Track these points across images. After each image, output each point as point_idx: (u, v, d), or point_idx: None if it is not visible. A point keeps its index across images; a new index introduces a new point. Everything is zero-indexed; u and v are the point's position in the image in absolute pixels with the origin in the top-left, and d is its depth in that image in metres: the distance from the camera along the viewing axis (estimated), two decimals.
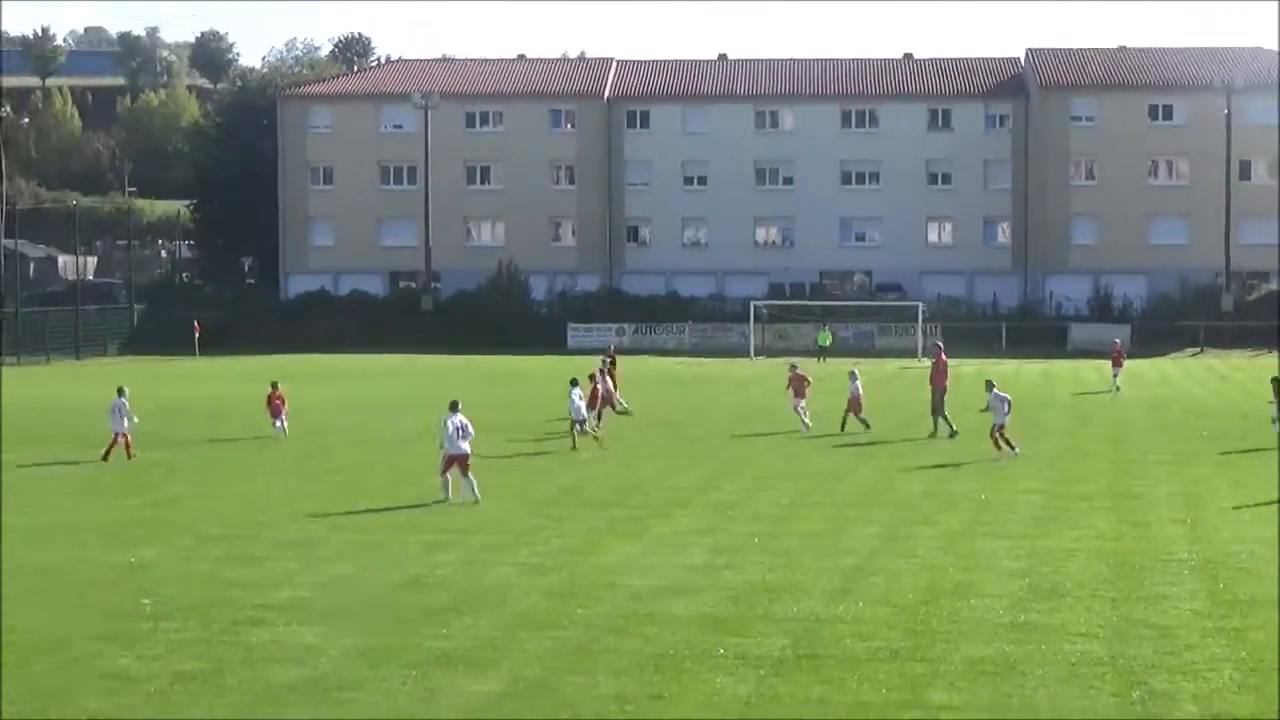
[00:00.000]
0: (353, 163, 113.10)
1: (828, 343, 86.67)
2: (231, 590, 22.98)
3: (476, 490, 31.70)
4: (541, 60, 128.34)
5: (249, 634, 20.17)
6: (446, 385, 60.96)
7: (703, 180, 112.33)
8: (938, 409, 44.64)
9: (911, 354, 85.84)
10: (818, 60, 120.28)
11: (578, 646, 19.39)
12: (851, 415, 45.45)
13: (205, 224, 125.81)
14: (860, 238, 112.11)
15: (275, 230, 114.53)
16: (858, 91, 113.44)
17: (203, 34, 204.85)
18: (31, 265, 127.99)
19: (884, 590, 22.73)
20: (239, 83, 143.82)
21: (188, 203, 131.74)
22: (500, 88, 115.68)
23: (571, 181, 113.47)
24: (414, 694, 17.25)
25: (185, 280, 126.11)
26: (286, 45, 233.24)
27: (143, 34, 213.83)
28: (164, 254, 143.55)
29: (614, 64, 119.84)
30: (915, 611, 21.25)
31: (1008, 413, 38.97)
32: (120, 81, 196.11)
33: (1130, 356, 70.78)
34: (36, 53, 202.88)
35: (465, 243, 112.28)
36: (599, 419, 44.85)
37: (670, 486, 34.64)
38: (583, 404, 42.44)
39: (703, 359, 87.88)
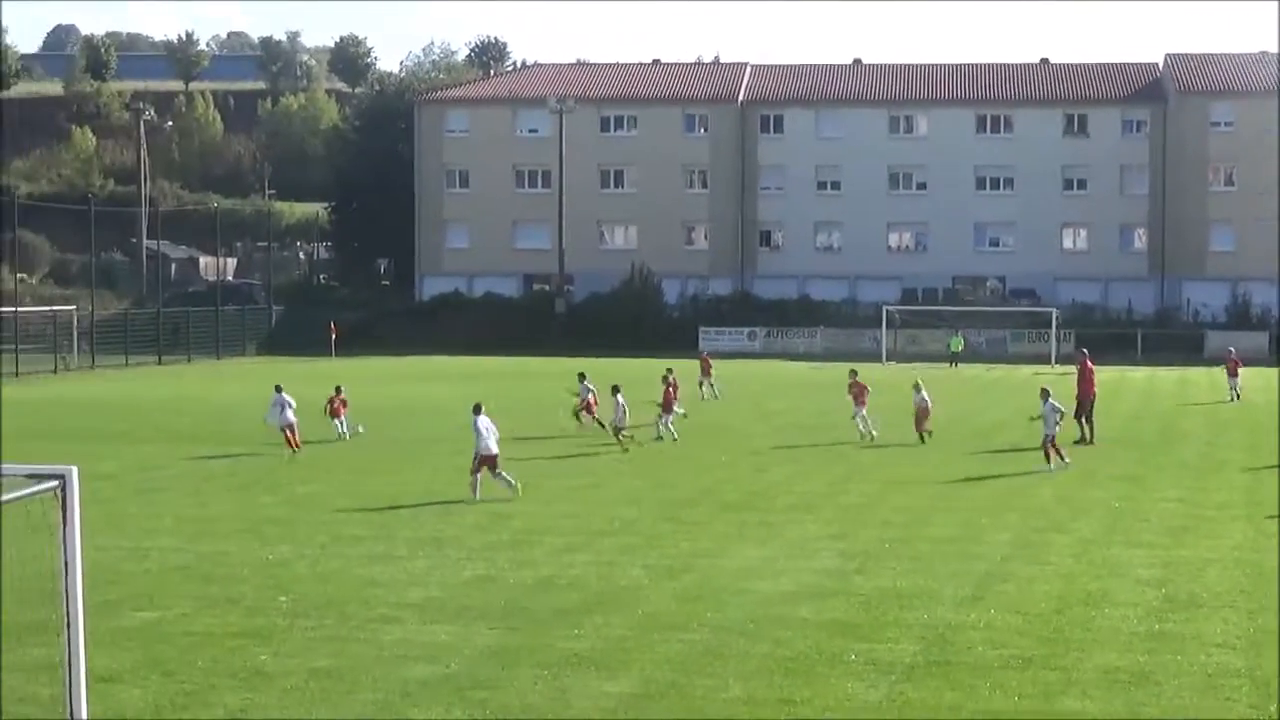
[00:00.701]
0: (488, 166, 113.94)
1: (960, 348, 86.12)
2: (366, 588, 23.27)
3: (515, 482, 32.84)
4: (676, 64, 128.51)
5: (383, 632, 20.42)
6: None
7: (836, 185, 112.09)
8: (1079, 415, 44.19)
9: (1045, 360, 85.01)
10: (953, 65, 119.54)
11: (707, 649, 19.46)
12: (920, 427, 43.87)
13: (342, 226, 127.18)
14: (994, 243, 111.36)
15: (411, 233, 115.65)
16: (993, 96, 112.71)
17: (342, 38, 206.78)
18: (173, 266, 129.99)
19: (1016, 597, 22.59)
20: (377, 87, 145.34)
21: (326, 205, 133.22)
22: (635, 92, 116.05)
23: (705, 185, 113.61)
24: (546, 694, 17.39)
25: (322, 282, 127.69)
26: (424, 49, 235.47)
27: (283, 38, 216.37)
28: (302, 256, 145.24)
29: (748, 68, 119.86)
30: (1048, 619, 21.11)
31: (1058, 423, 38.28)
32: (261, 85, 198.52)
33: (1269, 365, 69.67)
34: (180, 57, 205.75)
35: (599, 246, 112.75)
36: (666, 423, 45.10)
37: (800, 490, 34.61)
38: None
39: (834, 363, 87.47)
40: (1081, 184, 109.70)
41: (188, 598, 22.58)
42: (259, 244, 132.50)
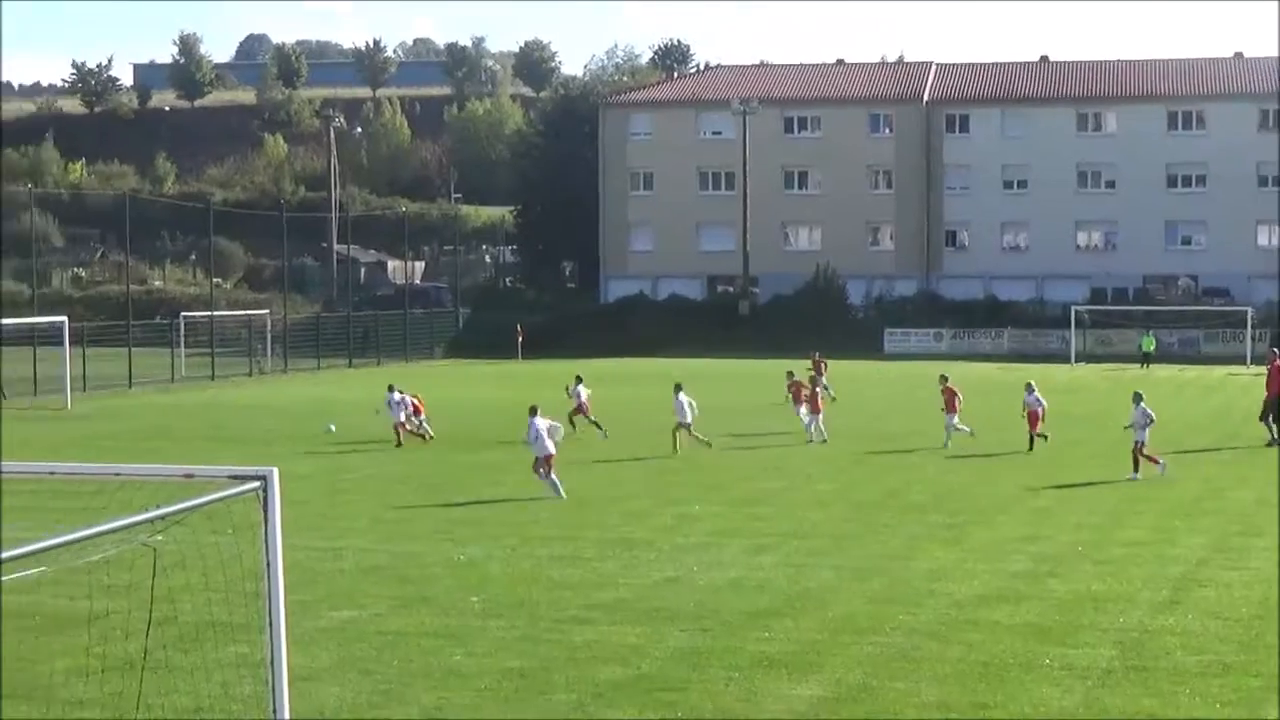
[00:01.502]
0: (672, 168, 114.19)
1: (1151, 348, 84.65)
2: (556, 590, 23.42)
3: (560, 489, 33.28)
4: (860, 64, 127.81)
5: (574, 633, 20.54)
6: (762, 388, 61.22)
7: (1023, 184, 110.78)
8: (1265, 416, 43.29)
9: (1240, 360, 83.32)
10: (1142, 60, 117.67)
11: (899, 652, 19.33)
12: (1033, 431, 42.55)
13: (528, 229, 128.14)
14: (1186, 241, 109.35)
15: (596, 235, 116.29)
16: (1184, 92, 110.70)
17: (526, 43, 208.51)
18: (362, 270, 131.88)
19: (1214, 602, 22.16)
20: (561, 91, 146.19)
21: (511, 209, 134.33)
22: (819, 92, 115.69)
23: (890, 186, 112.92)
24: (736, 696, 17.37)
25: (508, 285, 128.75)
26: (607, 53, 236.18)
27: (469, 44, 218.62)
28: (488, 259, 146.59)
29: (933, 67, 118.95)
30: (1249, 625, 20.68)
31: (1146, 427, 36.97)
32: (447, 91, 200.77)
33: None
34: (368, 64, 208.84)
35: (783, 247, 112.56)
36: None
37: (988, 492, 34.27)
38: (688, 409, 42.30)
39: (1022, 365, 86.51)
40: (1278, 180, 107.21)
41: (382, 597, 22.89)
42: (446, 248, 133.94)
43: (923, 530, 28.94)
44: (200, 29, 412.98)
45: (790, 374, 50.07)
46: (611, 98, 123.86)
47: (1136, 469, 36.20)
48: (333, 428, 47.85)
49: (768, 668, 18.58)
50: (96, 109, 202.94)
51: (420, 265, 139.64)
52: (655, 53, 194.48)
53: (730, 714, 16.69)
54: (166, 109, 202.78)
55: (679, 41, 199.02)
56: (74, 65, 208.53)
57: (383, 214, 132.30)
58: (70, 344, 62.82)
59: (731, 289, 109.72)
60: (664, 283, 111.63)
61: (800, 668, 18.59)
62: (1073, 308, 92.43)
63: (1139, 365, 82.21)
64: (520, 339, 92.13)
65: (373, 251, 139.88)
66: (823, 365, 59.91)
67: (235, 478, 12.84)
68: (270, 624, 12.80)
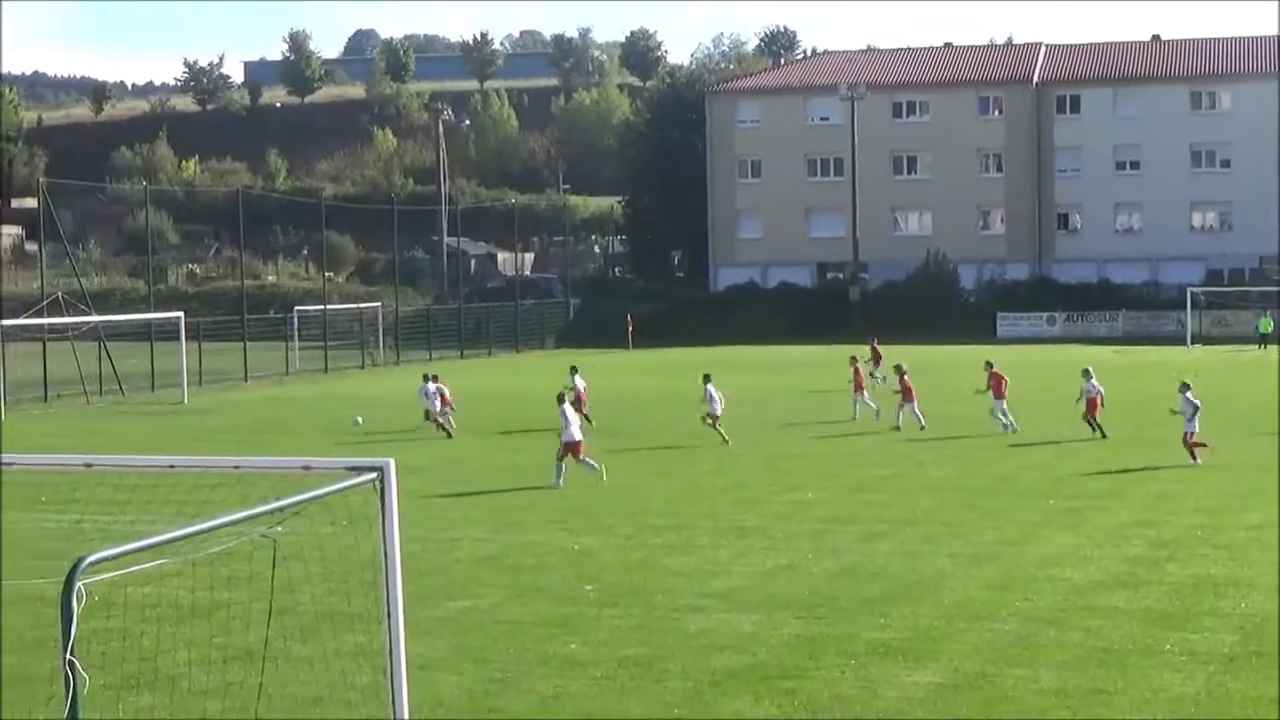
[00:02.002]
0: (780, 156, 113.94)
1: (1270, 329, 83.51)
2: (671, 578, 23.42)
3: (599, 467, 34.15)
4: (968, 47, 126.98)
5: (689, 621, 20.52)
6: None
7: (1135, 165, 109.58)
8: None
9: None
10: (1256, 37, 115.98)
11: (1017, 639, 19.17)
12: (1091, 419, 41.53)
13: (636, 219, 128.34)
14: None
15: (704, 224, 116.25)
16: None
17: (632, 33, 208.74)
18: (472, 262, 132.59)
19: None
20: (668, 80, 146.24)
21: (619, 199, 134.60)
22: (926, 76, 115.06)
23: (1000, 169, 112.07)
24: (853, 683, 17.29)
25: (617, 274, 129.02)
26: (713, 41, 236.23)
27: (575, 35, 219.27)
28: (597, 249, 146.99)
29: (1042, 48, 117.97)
30: None
31: (1194, 417, 35.98)
32: (554, 82, 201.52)
33: None
34: (475, 57, 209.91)
35: (892, 233, 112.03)
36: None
37: (1105, 476, 33.94)
38: (718, 400, 42.14)
39: (1137, 347, 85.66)
40: None
41: (498, 587, 22.99)
42: (555, 238, 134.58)
43: (1038, 516, 28.71)
44: (309, 26, 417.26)
45: (853, 359, 50.01)
46: (718, 85, 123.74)
47: (1194, 456, 35.59)
48: (359, 420, 48.05)
49: (884, 655, 18.48)
50: (209, 106, 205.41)
51: (530, 256, 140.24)
52: (762, 39, 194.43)
53: (847, 702, 16.61)
54: (277, 105, 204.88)
55: (785, 28, 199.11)
56: (186, 64, 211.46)
57: (492, 206, 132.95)
58: (187, 339, 63.59)
59: (841, 275, 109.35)
60: (773, 270, 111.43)
61: (917, 655, 18.48)
62: (1188, 289, 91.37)
63: (1256, 346, 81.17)
64: (631, 328, 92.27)
65: (482, 243, 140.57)
66: (879, 353, 59.79)
67: (352, 469, 12.94)
68: (388, 614, 12.90)
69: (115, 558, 10.55)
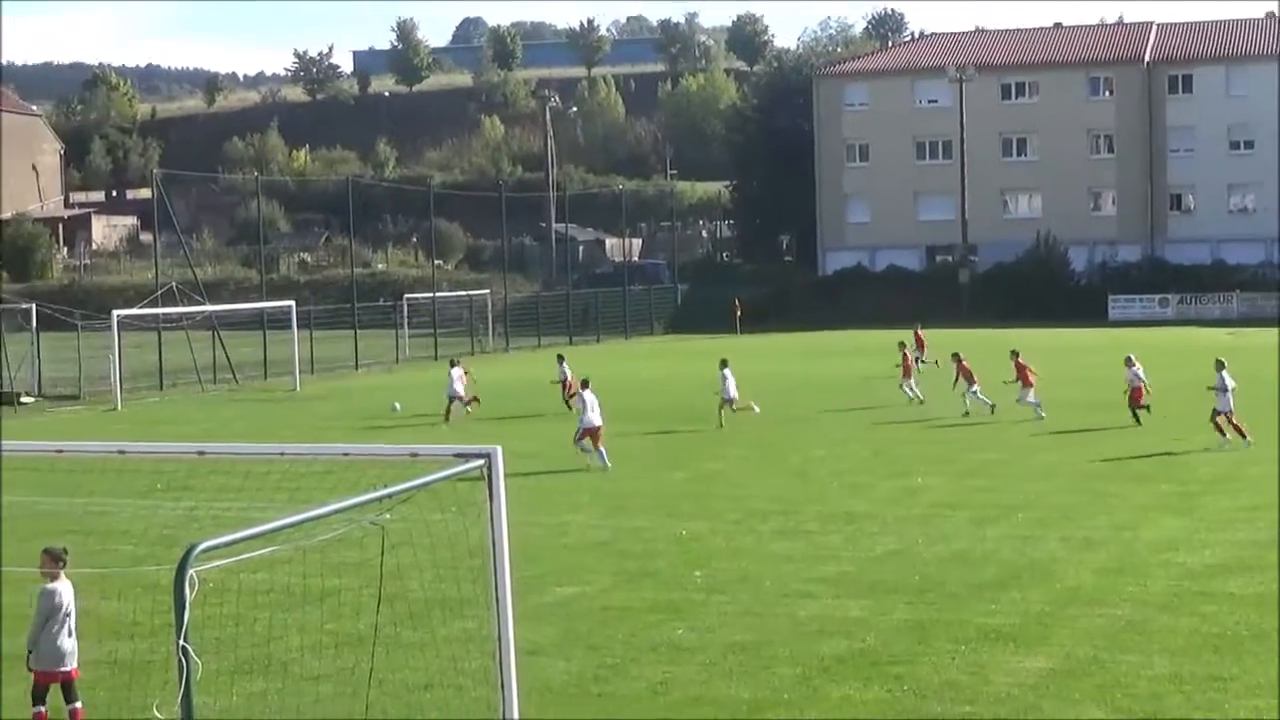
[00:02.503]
0: (888, 139, 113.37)
1: None
2: (778, 564, 23.38)
3: (607, 460, 33.91)
4: (1078, 27, 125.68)
5: (797, 607, 20.49)
6: (984, 360, 60.45)
7: (1250, 144, 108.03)
8: None
9: None
10: None
11: (1130, 624, 18.99)
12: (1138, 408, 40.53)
13: (744, 204, 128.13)
14: None
15: (812, 208, 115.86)
16: None
17: (739, 17, 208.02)
18: (580, 248, 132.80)
19: None
20: (775, 64, 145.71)
21: (727, 183, 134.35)
22: (1035, 57, 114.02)
23: (1110, 150, 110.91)
24: (963, 669, 17.20)
25: (725, 259, 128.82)
26: (820, 24, 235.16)
27: (681, 20, 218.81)
28: (705, 234, 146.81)
29: (1154, 27, 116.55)
30: None
31: (1228, 397, 35.43)
32: (660, 68, 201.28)
33: None
34: (582, 43, 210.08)
35: (1002, 215, 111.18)
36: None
37: (1219, 461, 33.54)
38: (732, 384, 42.47)
39: (1251, 329, 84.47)
40: None
41: (606, 572, 23.05)
42: (663, 224, 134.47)
43: (1151, 500, 28.42)
44: (417, 15, 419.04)
45: (902, 344, 49.79)
46: (825, 69, 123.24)
47: (1224, 434, 35.50)
48: (398, 406, 48.33)
49: (994, 640, 18.37)
50: (318, 96, 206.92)
51: (638, 242, 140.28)
52: (869, 22, 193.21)
53: (957, 688, 16.53)
54: (386, 94, 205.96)
55: (892, 10, 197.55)
56: (296, 54, 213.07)
57: (599, 192, 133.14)
58: (298, 327, 64.18)
59: (950, 258, 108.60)
60: (882, 253, 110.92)
61: (1027, 640, 18.35)
62: None
63: None
64: (738, 313, 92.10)
65: (590, 230, 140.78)
66: (922, 339, 59.45)
67: (460, 456, 13.02)
68: (497, 599, 12.97)
69: (228, 545, 10.67)
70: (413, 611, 18.69)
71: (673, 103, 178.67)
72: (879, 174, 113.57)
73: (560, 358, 49.57)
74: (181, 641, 10.03)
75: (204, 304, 66.67)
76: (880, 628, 19.18)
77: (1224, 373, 35.86)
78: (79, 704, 15.40)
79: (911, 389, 47.33)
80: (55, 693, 15.25)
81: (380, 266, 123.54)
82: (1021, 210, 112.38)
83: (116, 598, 20.51)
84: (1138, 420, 40.29)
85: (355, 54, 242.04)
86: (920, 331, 60.82)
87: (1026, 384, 43.33)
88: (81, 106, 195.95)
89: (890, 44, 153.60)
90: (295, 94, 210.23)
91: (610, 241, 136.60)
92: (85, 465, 25.76)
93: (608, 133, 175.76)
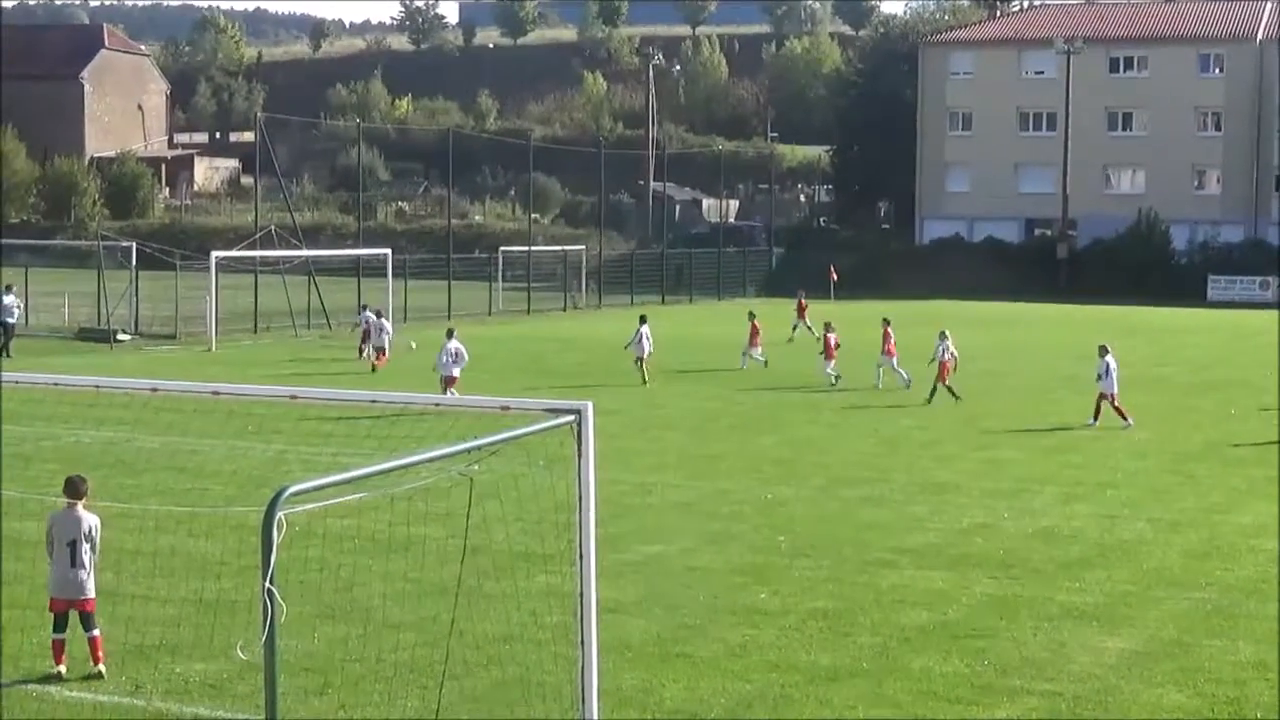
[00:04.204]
0: (992, 109, 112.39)
1: None
2: (863, 532, 23.34)
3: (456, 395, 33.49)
4: (1191, 2, 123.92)
5: (880, 576, 20.45)
6: (1080, 335, 60.02)
7: None
8: None
9: None
10: None
11: (1216, 608, 18.84)
12: (941, 383, 40.31)
13: (843, 169, 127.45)
14: None
15: (912, 176, 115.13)
16: None
17: None
18: (677, 208, 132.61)
19: None
20: (881, 30, 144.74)
21: (827, 148, 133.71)
22: (1146, 31, 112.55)
23: (1218, 128, 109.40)
24: (1044, 646, 17.12)
25: (822, 224, 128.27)
26: None
27: None
28: (802, 198, 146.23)
29: (1268, 5, 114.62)
30: None
31: (1110, 379, 35.59)
32: (766, 29, 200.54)
33: None
34: (689, 2, 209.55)
35: (1103, 190, 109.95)
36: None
37: None
38: (646, 342, 44.11)
39: None
40: None
41: (689, 533, 23.07)
42: (761, 186, 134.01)
43: (1244, 484, 28.13)
44: None
45: (752, 315, 49.91)
46: (932, 36, 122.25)
47: (1125, 417, 35.70)
48: (414, 345, 48.75)
49: (1077, 619, 18.27)
50: (423, 46, 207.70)
51: (735, 204, 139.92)
52: None
53: (1038, 664, 16.47)
54: (490, 46, 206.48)
55: None
56: (403, 4, 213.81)
57: (699, 152, 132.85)
58: (393, 276, 64.48)
59: (1050, 232, 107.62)
60: (980, 224, 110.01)
61: (1111, 620, 18.24)
62: None
63: None
64: (833, 279, 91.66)
65: (688, 190, 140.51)
66: (804, 306, 59.96)
67: (550, 411, 13.05)
68: (580, 556, 13.01)
69: (316, 489, 10.76)
70: (496, 564, 18.78)
71: (776, 65, 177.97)
72: (981, 144, 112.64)
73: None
74: (268, 584, 10.12)
75: (301, 249, 67.10)
76: (962, 601, 19.12)
77: (1107, 357, 36.11)
78: (96, 632, 15.68)
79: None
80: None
81: (477, 218, 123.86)
82: (1124, 186, 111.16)
83: (205, 537, 20.77)
84: (949, 393, 40.14)
85: (461, 5, 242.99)
86: (804, 300, 60.83)
87: (888, 354, 43.58)
88: (189, 48, 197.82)
89: (998, 14, 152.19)
90: (400, 43, 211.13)
91: (707, 202, 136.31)
92: (179, 404, 26.02)
93: (709, 93, 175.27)
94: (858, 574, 20.53)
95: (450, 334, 39.13)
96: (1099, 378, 36.26)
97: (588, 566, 12.91)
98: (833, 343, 44.52)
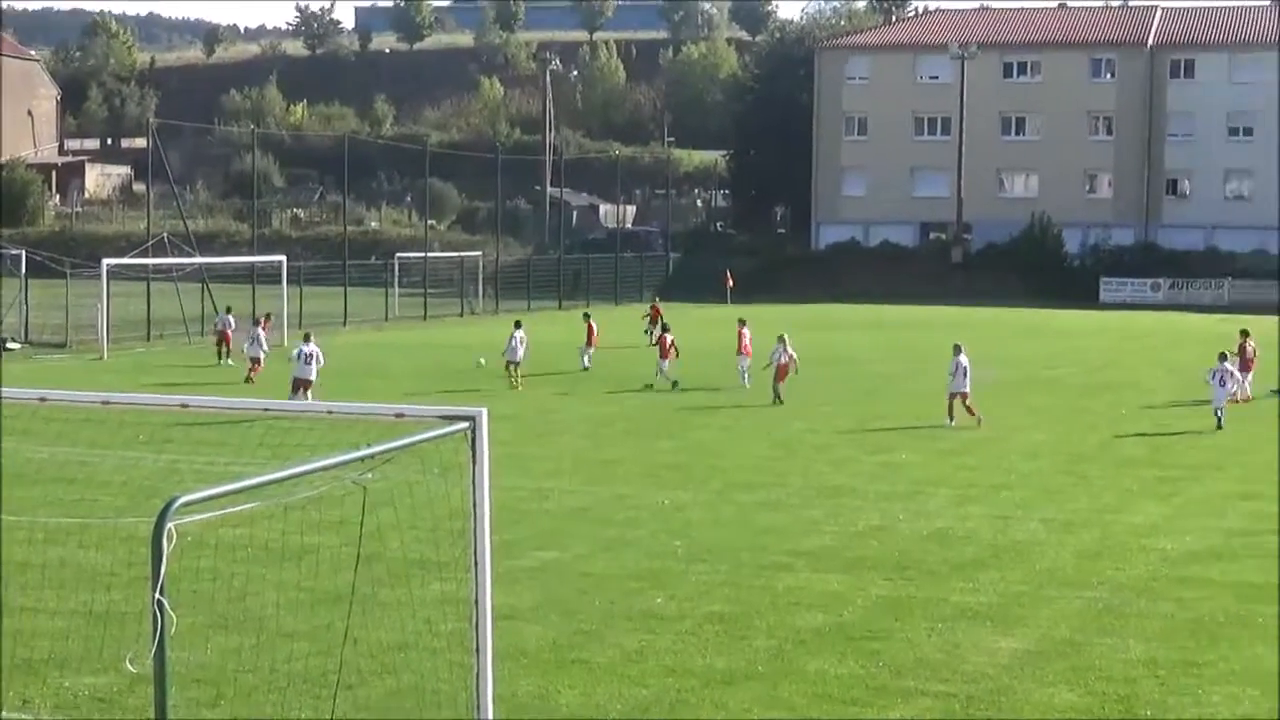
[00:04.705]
0: (887, 113, 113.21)
1: None
2: (759, 536, 23.39)
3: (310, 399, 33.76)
4: (1083, 8, 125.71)
5: (776, 579, 20.51)
6: (975, 337, 60.49)
7: (1249, 131, 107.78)
8: None
9: None
10: None
11: (1107, 607, 19.03)
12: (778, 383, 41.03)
13: (740, 174, 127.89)
14: None
15: (808, 180, 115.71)
16: None
17: None
18: (575, 213, 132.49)
19: None
20: (777, 35, 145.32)
21: (724, 153, 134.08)
22: (1039, 37, 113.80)
23: (1110, 133, 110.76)
24: (939, 647, 17.23)
25: (719, 229, 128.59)
26: None
27: None
28: (700, 203, 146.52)
29: (1158, 11, 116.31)
30: None
31: (963, 378, 36.40)
32: (663, 34, 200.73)
33: None
34: (585, 8, 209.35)
35: (998, 194, 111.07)
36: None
37: (1205, 446, 33.59)
38: (520, 347, 44.46)
39: (1242, 316, 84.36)
40: None
41: (585, 539, 23.05)
42: (658, 191, 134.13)
43: (1135, 484, 28.44)
44: None
45: (586, 315, 50.61)
46: (828, 41, 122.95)
47: (951, 418, 36.55)
48: (483, 361, 48.56)
49: (971, 619, 18.40)
50: (319, 51, 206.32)
51: (632, 209, 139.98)
52: None
53: (932, 665, 16.56)
54: (386, 51, 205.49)
55: None
56: (298, 9, 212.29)
57: (596, 157, 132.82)
58: (288, 283, 64.03)
59: (944, 236, 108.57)
60: (876, 228, 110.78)
61: (1004, 620, 18.39)
62: None
63: None
64: (730, 284, 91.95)
65: (585, 195, 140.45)
66: (659, 311, 60.51)
67: (445, 418, 12.97)
68: (476, 563, 12.93)
69: (208, 499, 10.63)
70: (391, 572, 18.67)
71: (673, 70, 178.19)
72: (876, 148, 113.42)
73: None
74: (157, 595, 9.99)
75: (195, 256, 66.50)
76: (858, 603, 19.20)
77: (960, 356, 36.75)
78: None
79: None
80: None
81: (373, 225, 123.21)
82: (1017, 190, 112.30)
83: (95, 548, 20.52)
84: (775, 398, 40.74)
85: (357, 10, 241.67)
86: (657, 303, 61.65)
87: (744, 353, 44.55)
88: (80, 53, 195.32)
89: (894, 19, 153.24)
90: (295, 48, 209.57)
91: (605, 207, 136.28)
92: (68, 414, 25.69)
93: (607, 98, 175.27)
94: (754, 578, 20.58)
95: (307, 338, 38.94)
96: (950, 376, 36.82)
97: (483, 573, 12.84)
98: (668, 342, 44.78)
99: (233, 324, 51.03)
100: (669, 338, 45.51)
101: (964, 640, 17.50)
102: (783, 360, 41.08)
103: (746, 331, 45.29)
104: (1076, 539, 23.28)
